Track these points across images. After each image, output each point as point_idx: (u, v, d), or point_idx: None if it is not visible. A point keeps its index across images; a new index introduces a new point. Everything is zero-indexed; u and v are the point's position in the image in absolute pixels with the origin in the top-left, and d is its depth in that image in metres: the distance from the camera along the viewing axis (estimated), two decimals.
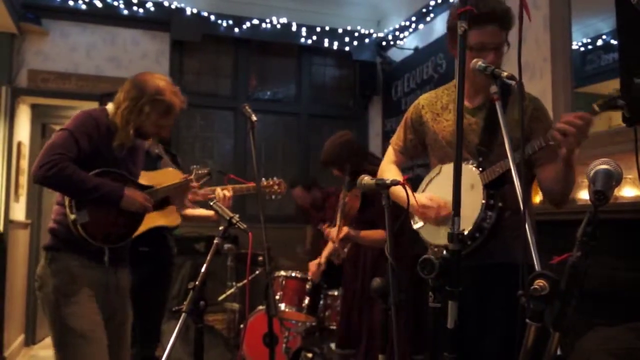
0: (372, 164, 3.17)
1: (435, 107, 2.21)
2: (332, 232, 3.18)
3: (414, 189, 2.25)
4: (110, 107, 2.40)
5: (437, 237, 2.03)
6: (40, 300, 2.33)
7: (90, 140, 2.26)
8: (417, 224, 2.13)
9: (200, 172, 2.91)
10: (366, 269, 3.15)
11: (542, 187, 2.02)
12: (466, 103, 2.09)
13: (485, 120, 2.04)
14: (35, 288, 2.35)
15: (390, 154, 2.38)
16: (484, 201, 1.87)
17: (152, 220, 2.91)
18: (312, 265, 3.69)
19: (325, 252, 3.64)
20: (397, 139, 2.35)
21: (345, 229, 3.09)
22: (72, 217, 2.22)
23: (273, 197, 3.37)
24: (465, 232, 1.80)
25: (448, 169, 2.04)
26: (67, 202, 2.25)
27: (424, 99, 2.27)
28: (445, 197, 1.98)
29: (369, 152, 3.73)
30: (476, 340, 1.94)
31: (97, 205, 2.26)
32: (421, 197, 2.04)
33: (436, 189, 2.08)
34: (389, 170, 2.31)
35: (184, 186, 2.74)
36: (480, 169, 1.94)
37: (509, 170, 1.79)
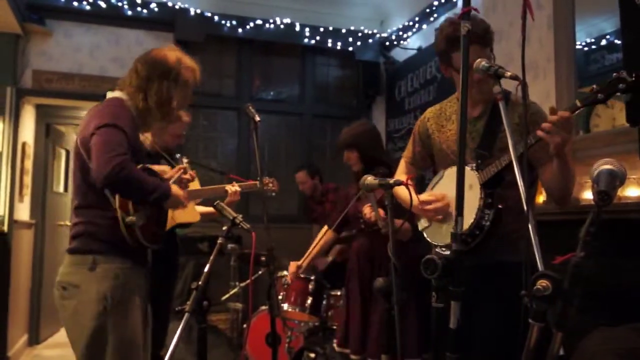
0: (387, 158, 3.24)
1: (440, 119, 2.33)
2: (370, 211, 3.03)
3: (420, 190, 2.29)
4: (120, 94, 2.26)
5: (440, 237, 2.10)
6: (73, 309, 2.10)
7: (132, 135, 2.14)
8: (422, 225, 2.20)
9: (186, 160, 2.97)
10: (374, 267, 3.15)
11: (544, 186, 2.09)
12: (469, 113, 2.15)
13: (485, 127, 2.12)
14: (61, 296, 2.13)
15: (402, 165, 2.52)
16: (482, 200, 1.93)
17: (173, 218, 2.94)
18: (292, 265, 3.60)
19: (310, 257, 3.58)
20: (407, 151, 2.49)
21: (381, 211, 3.00)
22: (130, 219, 2.08)
23: (268, 194, 3.42)
24: (465, 230, 1.86)
25: (449, 172, 2.14)
26: (118, 204, 2.08)
27: (429, 112, 2.40)
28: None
29: (385, 148, 3.74)
30: (478, 339, 1.94)
31: (150, 206, 2.17)
32: (421, 195, 2.12)
33: (439, 191, 2.16)
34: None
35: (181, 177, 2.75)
36: (479, 170, 2.01)
37: (505, 168, 1.90)
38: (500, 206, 1.95)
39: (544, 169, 2.02)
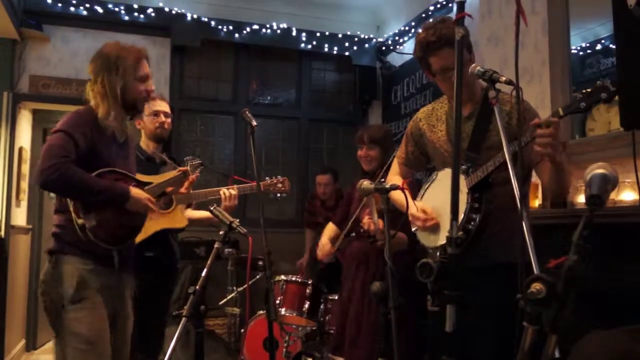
0: None
1: (431, 119, 2.37)
2: (371, 222, 3.05)
3: (415, 193, 2.32)
4: (91, 102, 2.34)
5: (430, 239, 2.16)
6: (44, 306, 2.26)
7: (86, 139, 2.20)
8: (414, 226, 2.25)
9: (193, 162, 2.95)
10: (369, 270, 3.16)
11: (543, 186, 2.11)
12: None
13: (474, 128, 2.16)
14: (38, 293, 2.29)
15: (395, 166, 2.55)
16: (468, 204, 1.98)
17: (158, 223, 2.92)
18: (325, 245, 3.54)
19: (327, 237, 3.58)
20: (400, 152, 2.52)
21: (380, 221, 3.01)
22: (80, 221, 2.18)
23: (278, 195, 3.35)
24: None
25: (442, 174, 2.20)
26: (72, 207, 2.19)
27: (421, 112, 2.44)
28: (437, 200, 2.13)
29: None
30: (473, 342, 1.95)
31: (103, 208, 2.21)
32: (412, 208, 2.14)
33: (432, 194, 2.21)
34: (393, 181, 2.42)
35: (182, 179, 2.73)
36: (468, 173, 2.04)
37: (492, 172, 1.95)
38: (489, 210, 1.99)
39: (540, 168, 2.06)
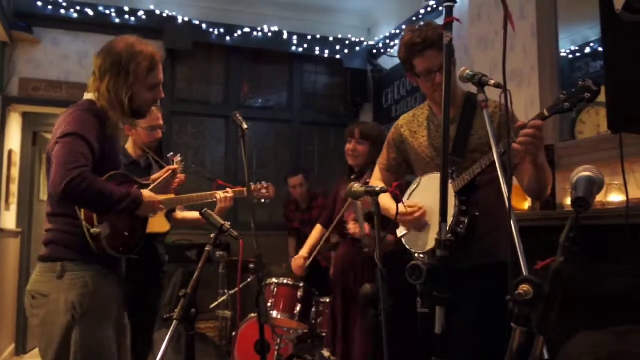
0: None
1: (412, 125, 2.38)
2: (357, 227, 3.07)
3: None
4: (90, 95, 2.16)
5: (418, 244, 2.16)
6: (41, 319, 2.04)
7: (98, 141, 2.03)
8: (401, 232, 2.26)
9: (178, 159, 2.94)
10: (357, 274, 3.16)
11: (522, 186, 2.14)
12: (440, 118, 2.24)
13: (457, 131, 2.18)
14: (30, 305, 2.07)
15: (376, 172, 2.56)
16: (456, 207, 1.99)
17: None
18: (298, 259, 3.60)
19: (308, 246, 3.62)
20: (382, 158, 2.53)
21: (367, 226, 2.99)
22: (95, 230, 2.01)
23: (262, 200, 3.38)
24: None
25: (426, 180, 2.22)
26: (83, 215, 2.02)
27: (402, 119, 2.46)
28: (425, 207, 2.14)
29: None
30: (461, 343, 1.97)
31: (116, 215, 2.09)
32: (400, 206, 2.11)
33: (416, 200, 2.21)
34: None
35: (170, 177, 2.70)
36: (453, 177, 2.05)
37: (477, 175, 1.99)
38: (476, 213, 2.02)
39: (519, 170, 2.08)
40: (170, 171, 2.71)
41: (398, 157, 2.44)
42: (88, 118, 2.04)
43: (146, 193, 2.18)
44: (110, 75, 2.10)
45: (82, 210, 2.02)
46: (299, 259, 3.59)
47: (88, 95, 2.18)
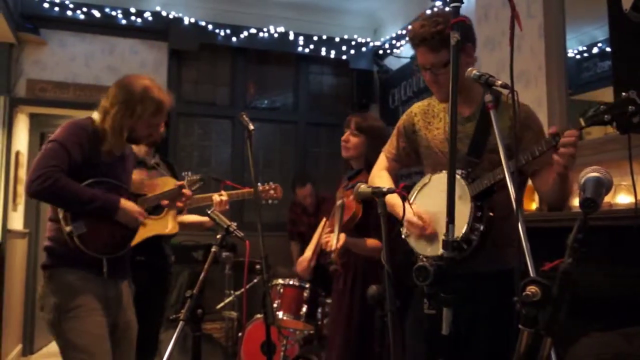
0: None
1: (427, 115, 2.24)
2: (330, 238, 2.84)
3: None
4: (95, 115, 2.36)
5: (427, 249, 2.03)
6: (45, 322, 2.27)
7: (81, 150, 2.23)
8: (405, 232, 2.13)
9: (192, 178, 2.93)
10: (357, 276, 3.10)
11: (540, 194, 2.05)
12: (458, 112, 2.08)
13: (475, 130, 2.06)
14: (38, 307, 2.31)
15: (382, 160, 2.39)
16: (472, 213, 1.88)
17: (149, 229, 2.91)
18: (303, 261, 3.42)
19: (312, 247, 3.56)
20: (389, 146, 2.37)
21: (343, 236, 2.79)
22: (68, 229, 2.20)
23: (270, 201, 3.37)
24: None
25: (437, 178, 2.07)
26: (61, 215, 2.22)
27: (417, 107, 2.31)
28: (433, 207, 2.01)
29: None
30: (468, 348, 1.94)
31: (93, 217, 2.23)
32: (408, 213, 2.02)
33: (425, 198, 2.09)
34: (380, 176, 2.32)
35: (176, 193, 2.74)
36: (470, 179, 1.94)
37: (497, 182, 1.85)
38: (491, 215, 1.90)
39: (539, 177, 1.99)
40: (177, 187, 2.75)
41: (407, 147, 2.29)
42: (76, 131, 2.26)
43: (124, 202, 2.31)
44: (118, 106, 2.31)
45: (61, 211, 2.22)
46: (303, 261, 3.55)
47: (94, 114, 2.38)
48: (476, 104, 2.10)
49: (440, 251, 1.96)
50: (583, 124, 1.67)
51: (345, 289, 2.93)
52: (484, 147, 2.02)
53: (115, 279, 2.36)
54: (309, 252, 3.51)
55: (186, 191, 2.80)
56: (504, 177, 1.79)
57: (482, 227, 1.88)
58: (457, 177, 1.95)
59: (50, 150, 2.18)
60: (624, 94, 1.55)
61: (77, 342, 2.18)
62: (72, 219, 2.21)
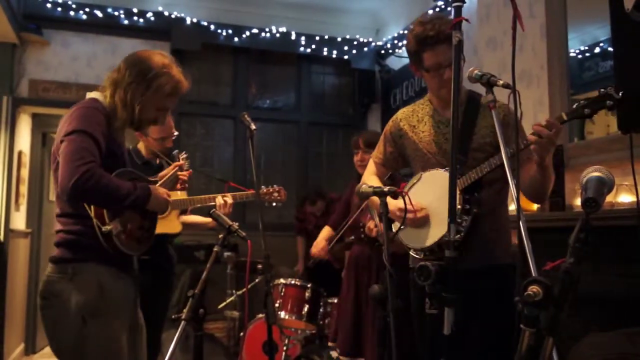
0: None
1: (412, 120, 2.34)
2: (373, 225, 3.11)
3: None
4: (97, 94, 2.14)
5: (415, 241, 2.13)
6: (53, 320, 2.02)
7: (105, 138, 2.01)
8: (396, 226, 2.21)
9: (183, 156, 2.94)
10: (371, 275, 3.16)
11: (521, 187, 2.09)
12: (442, 114, 2.24)
13: (460, 128, 2.11)
14: (42, 306, 2.04)
15: (371, 166, 2.50)
16: (459, 206, 1.96)
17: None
18: (320, 241, 3.62)
19: (324, 235, 3.63)
20: (377, 152, 2.47)
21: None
22: (108, 228, 1.97)
23: (274, 204, 3.37)
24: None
25: (428, 176, 2.17)
26: (93, 213, 1.98)
27: (401, 112, 2.43)
28: (425, 200, 2.11)
29: None
30: (466, 345, 1.95)
31: (127, 212, 2.07)
32: (396, 205, 2.11)
33: (416, 195, 2.15)
34: (370, 181, 2.39)
35: (177, 176, 2.70)
36: (458, 174, 2.02)
37: (484, 175, 1.98)
38: (475, 211, 2.00)
39: (522, 171, 2.04)
40: (177, 167, 2.71)
41: (395, 151, 2.39)
42: (93, 115, 2.03)
43: (154, 187, 2.16)
44: (134, 78, 2.10)
45: (93, 208, 1.99)
46: (321, 241, 3.62)
47: (92, 94, 2.17)
48: (460, 104, 2.16)
49: (430, 241, 2.02)
50: (565, 118, 1.81)
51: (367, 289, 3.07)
52: (468, 146, 2.11)
53: (133, 278, 2.21)
54: (323, 235, 3.59)
55: (187, 172, 2.74)
56: (490, 172, 1.94)
57: (469, 219, 1.99)
58: (445, 173, 2.07)
59: (80, 143, 1.93)
60: (602, 90, 1.67)
61: (104, 346, 1.99)
62: (110, 217, 2.00)
